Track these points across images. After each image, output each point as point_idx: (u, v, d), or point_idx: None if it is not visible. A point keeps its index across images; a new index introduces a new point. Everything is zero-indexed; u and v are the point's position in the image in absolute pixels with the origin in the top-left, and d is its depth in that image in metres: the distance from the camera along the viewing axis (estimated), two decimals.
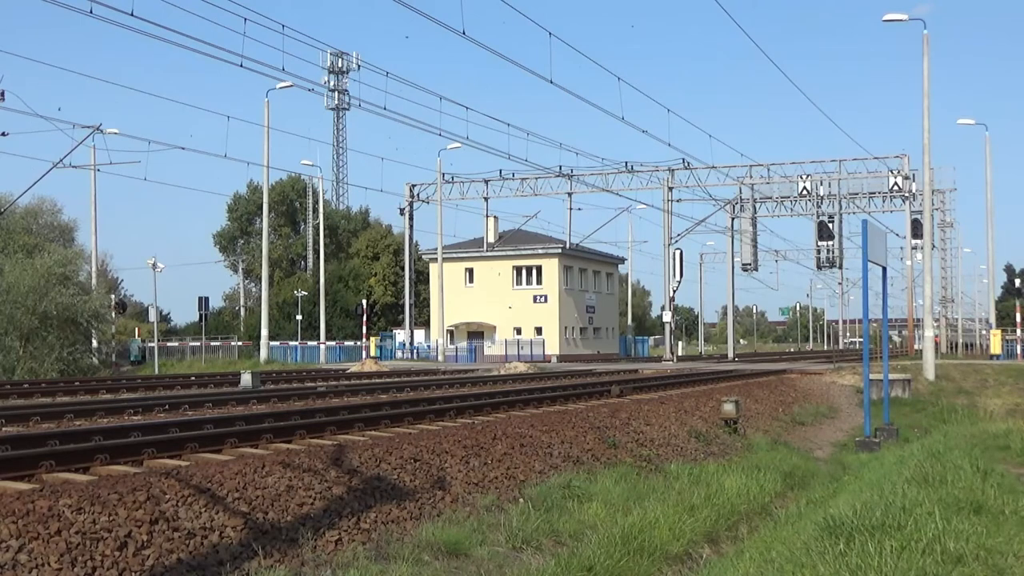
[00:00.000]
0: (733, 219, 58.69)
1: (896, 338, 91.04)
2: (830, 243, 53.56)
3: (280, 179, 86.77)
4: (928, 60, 34.95)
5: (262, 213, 56.69)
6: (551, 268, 63.81)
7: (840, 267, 59.17)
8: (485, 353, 59.67)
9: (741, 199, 57.02)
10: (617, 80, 35.41)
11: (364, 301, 60.11)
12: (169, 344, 57.44)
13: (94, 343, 42.96)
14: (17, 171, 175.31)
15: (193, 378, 27.89)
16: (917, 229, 49.46)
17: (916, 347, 60.96)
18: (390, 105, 27.12)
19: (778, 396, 25.45)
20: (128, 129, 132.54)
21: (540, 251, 63.66)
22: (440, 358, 53.67)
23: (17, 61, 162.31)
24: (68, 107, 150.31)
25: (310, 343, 59.34)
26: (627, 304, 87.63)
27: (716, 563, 9.61)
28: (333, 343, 58.91)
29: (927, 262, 39.08)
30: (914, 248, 55.99)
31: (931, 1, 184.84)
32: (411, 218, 60.45)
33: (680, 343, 71.30)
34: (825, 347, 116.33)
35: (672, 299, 52.82)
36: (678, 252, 52.77)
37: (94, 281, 46.00)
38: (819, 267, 56.65)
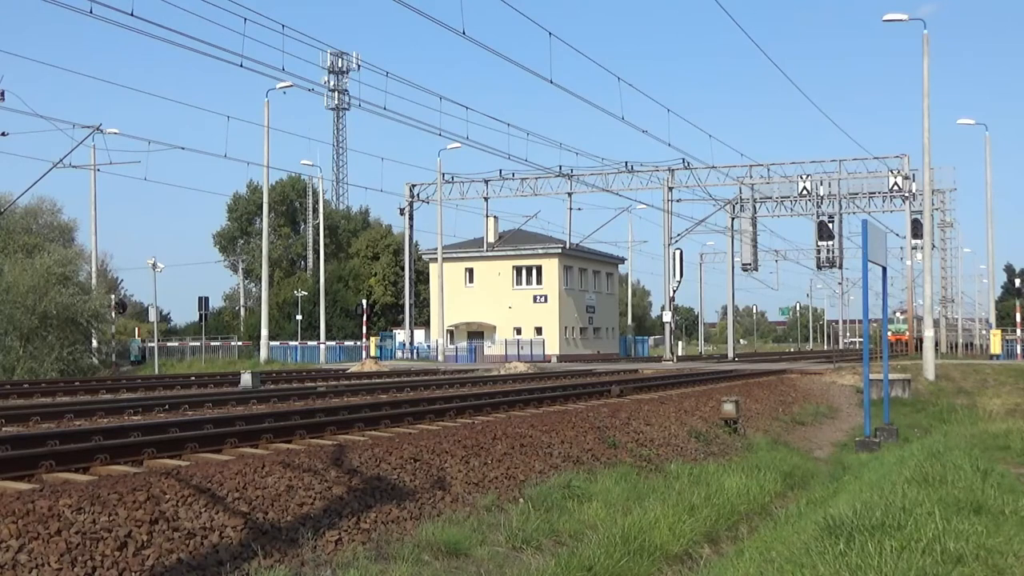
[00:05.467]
0: (733, 219, 58.66)
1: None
2: (830, 243, 53.55)
3: (280, 179, 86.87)
4: (928, 60, 34.97)
5: (262, 213, 56.70)
6: (551, 268, 63.81)
7: (840, 267, 59.13)
8: (485, 353, 59.66)
9: (741, 199, 57.00)
10: (617, 80, 35.40)
11: (364, 301, 60.09)
12: (169, 344, 57.48)
13: (94, 343, 42.99)
14: (17, 171, 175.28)
15: (193, 378, 27.88)
16: (917, 229, 49.43)
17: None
18: (390, 105, 27.05)
19: (778, 396, 25.44)
20: (128, 129, 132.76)
21: (540, 251, 63.65)
22: (440, 358, 53.66)
23: (17, 61, 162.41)
24: (68, 107, 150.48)
25: (310, 343, 59.34)
26: (627, 304, 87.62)
27: (716, 563, 9.62)
28: (333, 343, 58.91)
29: (927, 262, 39.05)
30: (914, 248, 55.94)
31: (934, 1, 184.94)
32: (411, 218, 60.44)
33: (680, 343, 71.27)
34: (825, 347, 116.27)
35: (672, 299, 52.80)
36: (678, 252, 52.74)
37: (94, 281, 46.01)
38: (819, 267, 56.65)
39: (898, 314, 73.89)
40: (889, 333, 50.36)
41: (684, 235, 55.97)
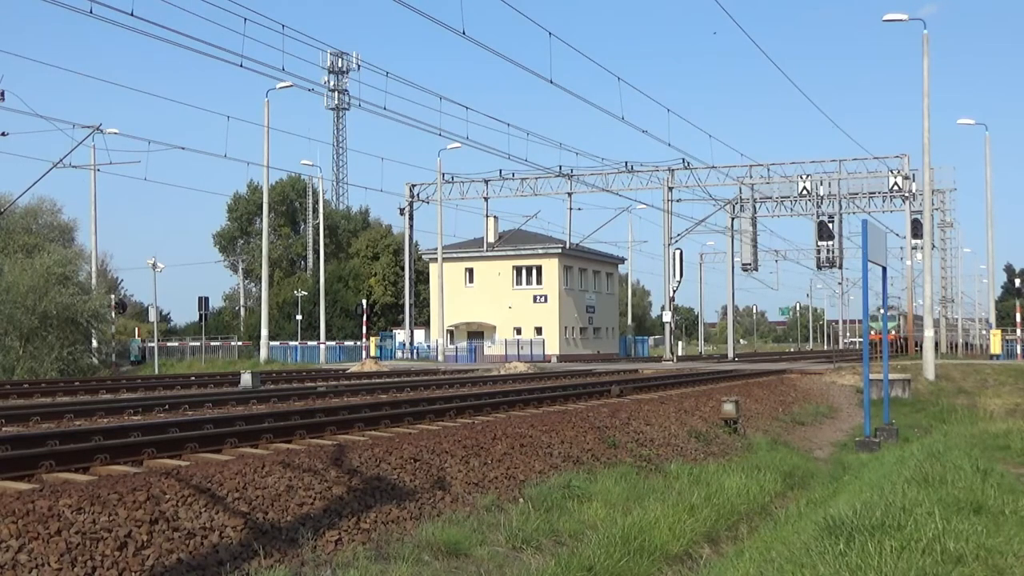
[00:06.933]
0: (733, 219, 58.67)
1: None
2: (830, 243, 53.56)
3: (280, 179, 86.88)
4: (928, 60, 34.99)
5: (262, 213, 56.71)
6: (551, 268, 63.81)
7: (840, 267, 59.13)
8: (485, 353, 59.67)
9: (741, 199, 57.00)
10: (617, 80, 35.41)
11: (364, 301, 60.13)
12: (169, 344, 57.51)
13: (94, 343, 43.00)
14: (17, 171, 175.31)
15: (193, 378, 27.89)
16: (917, 229, 49.43)
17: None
18: (390, 105, 27.12)
19: (778, 396, 25.44)
20: (128, 129, 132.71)
21: (540, 251, 63.66)
22: (440, 358, 53.66)
23: (17, 61, 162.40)
24: (68, 107, 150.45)
25: (310, 343, 59.35)
26: (627, 304, 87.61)
27: (716, 563, 9.62)
28: (333, 343, 58.93)
29: (927, 262, 39.06)
30: (914, 248, 55.91)
31: (934, 1, 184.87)
32: (411, 218, 60.46)
33: (680, 343, 71.24)
34: (825, 347, 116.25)
35: (672, 299, 52.81)
36: (678, 252, 52.76)
37: (94, 281, 46.00)
38: (819, 267, 56.64)
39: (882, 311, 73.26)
40: (872, 331, 49.72)
41: (684, 235, 56.05)
